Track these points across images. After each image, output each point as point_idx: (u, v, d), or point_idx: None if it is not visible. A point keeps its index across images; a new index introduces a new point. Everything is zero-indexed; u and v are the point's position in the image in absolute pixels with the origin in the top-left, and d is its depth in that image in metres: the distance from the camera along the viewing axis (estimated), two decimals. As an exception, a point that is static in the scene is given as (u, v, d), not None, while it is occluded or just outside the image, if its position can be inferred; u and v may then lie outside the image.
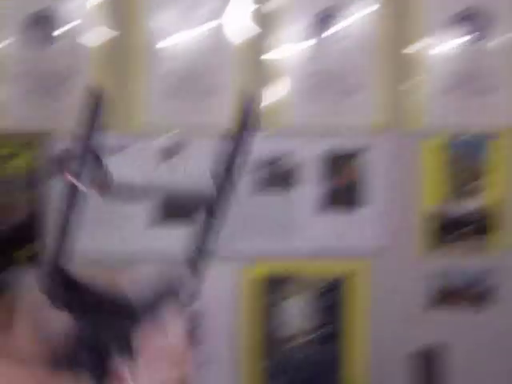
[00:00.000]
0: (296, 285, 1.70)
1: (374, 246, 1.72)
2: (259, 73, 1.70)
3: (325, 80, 1.71)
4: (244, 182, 1.70)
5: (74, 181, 0.52)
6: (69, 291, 0.53)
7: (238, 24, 1.69)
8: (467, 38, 1.72)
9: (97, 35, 1.69)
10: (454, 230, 1.73)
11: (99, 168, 0.53)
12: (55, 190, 1.50)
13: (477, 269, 1.74)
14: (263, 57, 1.70)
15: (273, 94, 1.70)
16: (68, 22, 1.69)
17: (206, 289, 1.68)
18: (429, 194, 1.73)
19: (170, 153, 1.69)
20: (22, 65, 1.69)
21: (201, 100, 1.70)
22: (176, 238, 1.71)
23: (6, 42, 1.70)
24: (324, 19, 1.70)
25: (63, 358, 0.51)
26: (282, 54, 1.70)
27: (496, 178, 1.74)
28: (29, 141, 1.67)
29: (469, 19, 1.72)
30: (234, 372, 1.71)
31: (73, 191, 0.52)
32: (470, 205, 1.73)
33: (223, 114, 1.70)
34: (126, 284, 0.55)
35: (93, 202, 0.54)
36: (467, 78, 1.72)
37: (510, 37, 1.74)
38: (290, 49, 1.70)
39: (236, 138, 0.61)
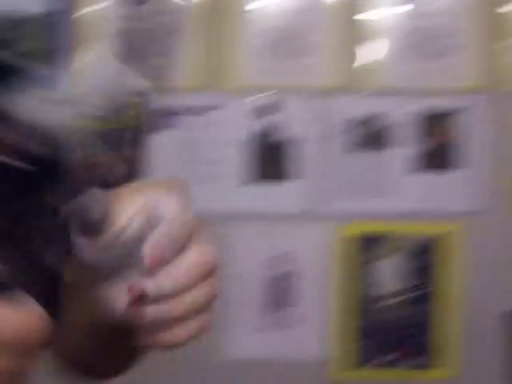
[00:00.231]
0: (389, 245, 1.70)
1: (467, 208, 1.71)
2: (354, 33, 1.70)
3: (420, 41, 1.70)
4: (338, 143, 1.70)
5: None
6: None
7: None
8: None
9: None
10: (549, 192, 1.71)
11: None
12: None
13: None
14: (358, 17, 1.69)
15: (368, 55, 1.70)
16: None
17: (299, 248, 1.69)
18: (523, 157, 1.71)
19: (265, 112, 1.70)
20: (118, 24, 1.71)
21: (295, 60, 1.70)
22: (268, 197, 1.72)
23: (103, 4, 1.73)
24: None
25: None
26: (377, 14, 1.69)
27: None
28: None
29: None
30: (325, 331, 1.72)
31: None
32: None
33: (318, 74, 1.70)
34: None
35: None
36: None
37: None
38: (385, 9, 1.70)
39: None
